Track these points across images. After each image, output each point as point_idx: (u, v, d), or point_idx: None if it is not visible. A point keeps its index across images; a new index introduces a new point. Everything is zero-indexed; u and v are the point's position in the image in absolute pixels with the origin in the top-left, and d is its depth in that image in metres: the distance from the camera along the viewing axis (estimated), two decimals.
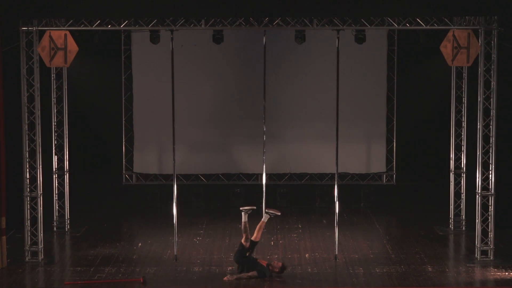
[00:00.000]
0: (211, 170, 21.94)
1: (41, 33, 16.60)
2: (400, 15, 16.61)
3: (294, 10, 16.78)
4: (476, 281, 15.77)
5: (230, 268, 16.13)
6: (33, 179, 16.83)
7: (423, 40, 19.00)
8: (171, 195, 17.03)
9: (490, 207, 16.79)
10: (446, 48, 16.50)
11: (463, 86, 18.89)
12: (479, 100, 16.73)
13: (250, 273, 15.53)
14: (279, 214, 16.23)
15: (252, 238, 15.71)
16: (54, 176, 19.45)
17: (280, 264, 15.77)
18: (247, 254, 15.70)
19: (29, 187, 16.82)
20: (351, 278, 15.73)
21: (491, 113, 16.67)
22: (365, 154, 21.96)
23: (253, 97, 20.92)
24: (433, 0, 16.57)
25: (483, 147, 16.73)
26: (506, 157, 18.37)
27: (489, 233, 16.85)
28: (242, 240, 15.69)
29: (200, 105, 21.57)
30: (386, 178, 22.05)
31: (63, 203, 19.65)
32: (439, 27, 16.69)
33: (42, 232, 16.91)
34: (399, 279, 15.67)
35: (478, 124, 16.76)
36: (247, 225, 15.72)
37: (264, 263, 15.79)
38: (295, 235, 19.00)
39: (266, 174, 19.59)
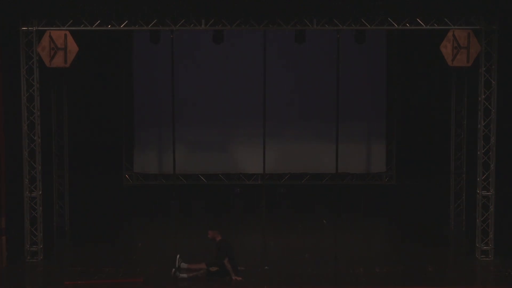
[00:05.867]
0: (211, 170, 21.94)
1: (41, 33, 16.61)
2: (400, 15, 16.61)
3: (294, 10, 16.78)
4: (476, 281, 15.77)
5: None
6: (33, 179, 16.84)
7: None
8: (171, 195, 17.03)
9: (490, 207, 16.79)
10: (446, 48, 16.51)
11: (463, 86, 18.89)
12: (479, 100, 16.73)
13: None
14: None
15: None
16: (54, 176, 19.45)
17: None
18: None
19: (29, 187, 16.83)
20: (351, 278, 15.73)
21: (491, 113, 16.67)
22: (365, 154, 21.96)
23: (253, 97, 20.90)
24: (433, 0, 16.57)
25: (483, 147, 16.74)
26: (506, 157, 18.36)
27: (489, 233, 16.86)
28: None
29: (200, 105, 21.57)
30: (386, 178, 22.04)
31: (63, 203, 19.66)
32: (439, 27, 16.69)
33: (42, 232, 16.92)
34: (399, 279, 15.67)
35: (478, 124, 16.77)
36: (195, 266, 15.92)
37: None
38: (295, 235, 19.00)
39: (266, 174, 19.59)
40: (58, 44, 16.52)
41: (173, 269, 15.69)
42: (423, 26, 16.67)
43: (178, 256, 15.85)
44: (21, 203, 16.93)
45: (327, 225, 19.68)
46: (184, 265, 15.81)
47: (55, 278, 15.78)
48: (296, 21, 16.89)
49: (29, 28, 16.55)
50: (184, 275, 15.66)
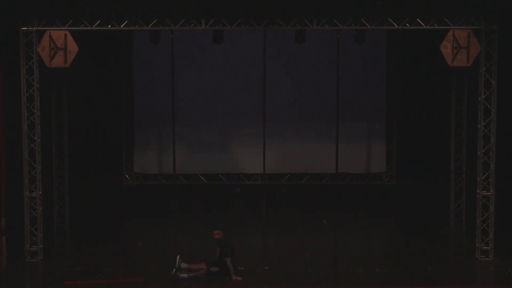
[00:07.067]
0: (211, 170, 21.94)
1: (41, 33, 16.61)
2: (400, 15, 16.61)
3: (294, 10, 16.77)
4: (476, 281, 15.77)
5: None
6: (33, 179, 16.84)
7: None
8: (171, 195, 17.03)
9: (490, 207, 16.79)
10: (446, 48, 16.51)
11: (463, 86, 18.88)
12: (479, 100, 16.73)
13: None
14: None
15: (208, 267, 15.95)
16: (54, 176, 19.45)
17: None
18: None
19: (29, 187, 16.83)
20: (351, 278, 15.73)
21: (491, 113, 16.67)
22: (365, 154, 21.96)
23: (253, 97, 20.90)
24: (433, 0, 16.56)
25: (483, 147, 16.74)
26: (506, 157, 18.36)
27: (489, 233, 16.85)
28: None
29: (200, 105, 21.57)
30: (386, 178, 22.04)
31: (63, 203, 19.65)
32: (439, 27, 16.68)
33: (42, 232, 16.92)
34: (399, 279, 15.67)
35: (479, 124, 16.76)
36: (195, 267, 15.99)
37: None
38: (295, 235, 18.99)
39: (266, 174, 19.59)
40: (58, 44, 16.52)
41: (174, 269, 15.69)
42: (423, 26, 16.67)
43: (178, 257, 15.85)
44: (21, 203, 16.93)
45: (327, 225, 19.68)
46: (184, 265, 15.81)
47: (55, 278, 15.78)
48: (296, 21, 16.89)
49: (29, 28, 16.55)
50: (184, 275, 15.67)
